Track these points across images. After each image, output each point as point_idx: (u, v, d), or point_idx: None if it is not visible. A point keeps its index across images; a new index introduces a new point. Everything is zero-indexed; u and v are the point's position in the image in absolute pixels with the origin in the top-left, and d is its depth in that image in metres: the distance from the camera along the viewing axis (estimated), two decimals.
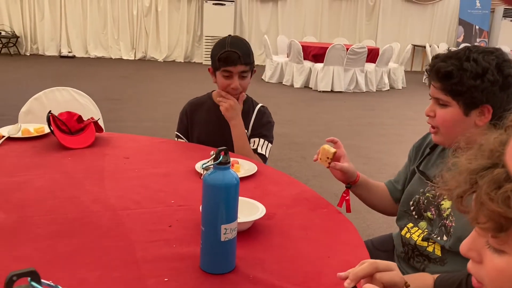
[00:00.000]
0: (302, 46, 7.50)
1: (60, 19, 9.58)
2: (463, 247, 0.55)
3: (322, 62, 7.30)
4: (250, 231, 1.06)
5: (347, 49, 7.21)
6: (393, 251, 1.37)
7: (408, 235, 1.25)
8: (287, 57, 8.03)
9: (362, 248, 1.02)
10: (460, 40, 10.63)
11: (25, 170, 1.39)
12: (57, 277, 0.84)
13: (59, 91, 2.23)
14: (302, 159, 3.89)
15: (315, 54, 7.60)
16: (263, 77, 8.13)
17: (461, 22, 10.69)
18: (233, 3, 9.60)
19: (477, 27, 10.63)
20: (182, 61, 10.02)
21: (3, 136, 1.64)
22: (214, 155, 0.87)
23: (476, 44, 9.95)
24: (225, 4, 9.49)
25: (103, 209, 1.15)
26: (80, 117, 1.70)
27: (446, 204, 1.18)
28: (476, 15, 10.60)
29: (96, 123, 1.71)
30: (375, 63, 7.72)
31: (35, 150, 1.58)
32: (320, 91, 7.28)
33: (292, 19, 10.24)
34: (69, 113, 1.69)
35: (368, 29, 10.59)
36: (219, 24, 9.24)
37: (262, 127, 1.79)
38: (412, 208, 1.27)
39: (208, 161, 0.88)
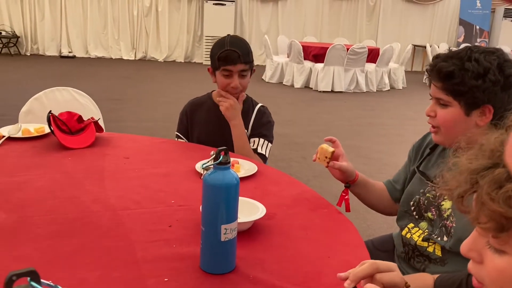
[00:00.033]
0: (302, 46, 7.50)
1: (61, 19, 9.59)
2: (464, 247, 0.55)
3: (323, 62, 7.30)
4: (250, 231, 1.06)
5: (348, 49, 7.21)
6: (394, 251, 1.36)
7: (408, 235, 1.25)
8: (288, 57, 8.03)
9: (362, 248, 1.02)
10: (460, 40, 10.63)
11: (25, 170, 1.39)
12: (57, 277, 0.84)
13: (59, 91, 2.23)
14: (303, 159, 3.89)
15: (316, 54, 7.60)
16: (263, 77, 8.13)
17: (462, 22, 10.69)
18: (233, 3, 9.60)
19: (477, 27, 10.63)
20: (183, 61, 10.03)
21: (3, 136, 1.64)
22: (214, 155, 0.87)
23: (476, 44, 9.93)
24: (225, 4, 9.50)
25: (103, 209, 1.15)
26: (80, 117, 1.70)
27: (447, 204, 1.18)
28: (477, 15, 10.60)
29: (96, 123, 1.71)
30: (375, 63, 7.72)
31: (35, 150, 1.58)
32: (320, 91, 7.28)
33: (292, 19, 10.24)
34: (69, 113, 1.69)
35: (369, 29, 10.59)
36: (220, 24, 9.24)
37: (262, 126, 1.79)
38: (412, 208, 1.27)
39: (208, 161, 0.88)
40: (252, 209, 1.09)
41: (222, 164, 0.86)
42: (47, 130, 1.69)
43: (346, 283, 0.75)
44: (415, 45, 9.95)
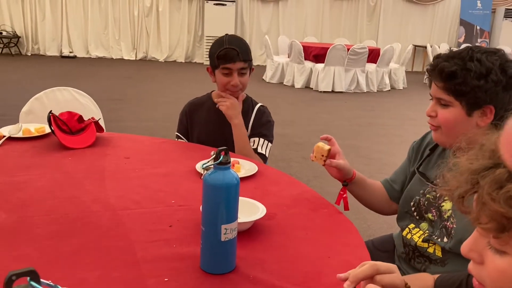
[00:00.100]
0: (303, 46, 7.50)
1: (61, 19, 9.59)
2: (464, 247, 0.55)
3: (323, 62, 7.30)
4: (250, 231, 1.05)
5: (348, 49, 7.21)
6: (394, 252, 1.36)
7: (409, 236, 1.25)
8: (288, 57, 8.03)
9: (362, 249, 1.02)
10: (461, 40, 10.62)
11: (25, 170, 1.39)
12: (57, 277, 0.84)
13: (60, 91, 2.23)
14: (303, 160, 3.89)
15: (316, 54, 7.60)
16: (264, 78, 8.13)
17: (462, 22, 10.68)
18: (234, 3, 9.61)
19: (478, 27, 10.63)
20: (183, 61, 10.03)
21: (4, 136, 1.64)
22: (214, 155, 0.87)
23: (477, 44, 9.94)
24: (226, 4, 9.50)
25: (103, 209, 1.15)
26: (80, 117, 1.70)
27: (447, 205, 1.17)
28: (477, 16, 10.59)
29: (96, 123, 1.71)
30: (376, 63, 7.72)
31: (35, 150, 1.58)
32: (321, 92, 7.28)
33: (293, 19, 10.24)
34: (69, 113, 1.69)
35: (369, 29, 10.59)
36: (220, 24, 9.25)
37: (262, 126, 1.78)
38: (413, 209, 1.27)
39: (209, 161, 0.88)
40: (252, 209, 1.09)
41: (222, 164, 0.86)
42: (48, 130, 1.69)
43: (345, 284, 0.75)
44: (415, 45, 9.95)
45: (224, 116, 1.71)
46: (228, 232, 0.87)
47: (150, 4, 9.77)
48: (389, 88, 7.95)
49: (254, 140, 1.75)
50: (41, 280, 0.54)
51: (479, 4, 10.54)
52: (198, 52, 10.10)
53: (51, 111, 1.64)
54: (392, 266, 0.78)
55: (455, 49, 1.15)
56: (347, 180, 1.33)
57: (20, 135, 1.68)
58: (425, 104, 1.20)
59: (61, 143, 1.59)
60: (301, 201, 1.26)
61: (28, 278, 0.53)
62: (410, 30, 10.68)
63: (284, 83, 7.80)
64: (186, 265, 0.91)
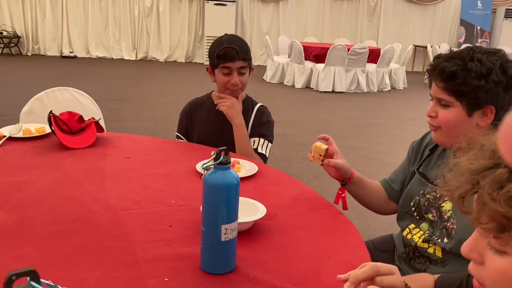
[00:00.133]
0: (303, 46, 7.50)
1: (62, 19, 9.60)
2: (464, 248, 0.55)
3: (323, 62, 7.30)
4: (250, 231, 1.05)
5: (348, 49, 7.21)
6: (394, 252, 1.36)
7: (409, 236, 1.25)
8: (288, 57, 8.03)
9: (362, 249, 1.02)
10: (461, 40, 10.62)
11: (26, 170, 1.39)
12: (57, 277, 0.84)
13: (60, 91, 2.23)
14: (303, 160, 3.89)
15: (316, 54, 7.60)
16: (264, 78, 8.13)
17: (463, 22, 10.68)
18: (234, 3, 9.61)
19: (478, 27, 10.62)
20: (183, 61, 10.04)
21: (4, 136, 1.64)
22: (214, 155, 0.87)
23: (477, 44, 9.93)
24: (226, 5, 9.50)
25: (103, 209, 1.15)
26: (81, 117, 1.70)
27: (447, 206, 1.17)
28: (478, 16, 10.59)
29: (97, 123, 1.71)
30: (376, 63, 7.72)
31: (36, 150, 1.58)
32: (321, 92, 7.28)
33: (293, 19, 10.24)
34: (70, 113, 1.69)
35: (370, 29, 10.59)
36: (221, 24, 9.25)
37: (262, 126, 1.78)
38: (413, 209, 1.26)
39: (209, 161, 0.88)
40: (252, 209, 1.09)
41: (223, 164, 0.86)
42: (48, 130, 1.69)
43: (346, 285, 0.75)
44: (416, 46, 9.95)
45: (224, 116, 1.71)
46: (228, 232, 0.87)
47: (150, 4, 9.78)
48: (390, 88, 7.95)
49: (254, 140, 1.75)
50: (41, 280, 0.54)
51: (479, 4, 10.54)
52: (198, 52, 10.10)
53: (51, 111, 1.64)
54: (393, 268, 0.78)
55: (455, 49, 1.15)
56: (345, 180, 1.32)
57: (20, 135, 1.68)
58: (426, 104, 1.20)
59: (62, 143, 1.59)
60: (301, 201, 1.26)
61: (28, 278, 0.53)
62: (411, 30, 10.67)
63: (284, 83, 7.80)
64: (186, 265, 0.91)
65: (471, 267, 0.55)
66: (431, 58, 1.19)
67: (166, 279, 0.86)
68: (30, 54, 9.51)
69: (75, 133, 1.65)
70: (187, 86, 6.96)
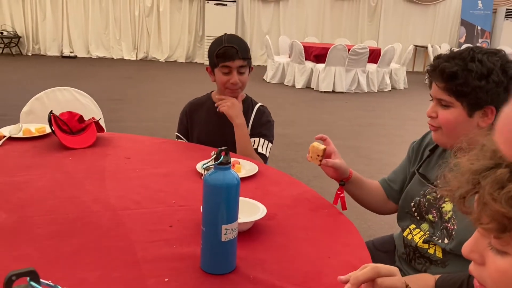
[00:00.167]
0: (303, 46, 7.50)
1: (62, 19, 9.60)
2: (465, 248, 0.55)
3: (324, 62, 7.29)
4: (250, 232, 1.05)
5: (349, 49, 7.21)
6: (394, 252, 1.36)
7: (409, 237, 1.25)
8: (289, 57, 8.03)
9: (363, 249, 1.01)
10: (462, 40, 10.62)
11: (26, 170, 1.39)
12: (57, 277, 0.84)
13: (60, 91, 2.23)
14: (303, 160, 3.89)
15: (317, 54, 7.60)
16: (264, 78, 8.13)
17: (463, 22, 10.68)
18: (234, 3, 9.61)
19: (479, 27, 10.62)
20: (184, 61, 10.04)
21: (5, 136, 1.64)
22: (214, 156, 0.87)
23: (478, 45, 9.92)
24: (226, 5, 9.50)
25: (103, 209, 1.15)
26: (81, 117, 1.70)
27: (448, 207, 1.17)
28: (478, 16, 10.59)
29: (97, 123, 1.71)
30: (376, 63, 7.72)
31: (36, 150, 1.58)
32: (321, 92, 7.28)
33: (294, 19, 10.24)
34: (70, 113, 1.69)
35: (370, 29, 10.59)
36: (221, 24, 9.25)
37: (262, 126, 1.78)
38: (413, 209, 1.26)
39: (209, 161, 0.88)
40: (252, 210, 1.09)
41: (223, 164, 0.86)
42: (48, 130, 1.69)
43: (346, 287, 0.75)
44: (416, 46, 9.95)
45: (224, 116, 1.71)
46: (228, 232, 0.87)
47: (151, 4, 9.78)
48: (390, 88, 7.95)
49: (254, 140, 1.75)
50: (41, 280, 0.54)
51: (480, 4, 10.54)
52: (198, 52, 10.11)
53: (51, 111, 1.64)
54: (393, 269, 0.78)
55: (455, 49, 1.15)
56: (344, 180, 1.32)
57: (20, 135, 1.68)
58: (426, 105, 1.19)
59: (62, 143, 1.59)
60: (301, 201, 1.26)
61: (28, 278, 0.53)
62: (411, 30, 10.67)
63: (284, 83, 7.80)
64: (186, 265, 0.91)
65: (472, 267, 0.55)
66: (432, 58, 1.19)
67: (166, 279, 0.86)
68: (30, 54, 9.52)
69: (75, 133, 1.65)
70: (187, 86, 6.96)
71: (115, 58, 9.82)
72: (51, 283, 0.57)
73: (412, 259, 1.24)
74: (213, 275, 0.89)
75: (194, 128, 1.83)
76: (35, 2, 9.43)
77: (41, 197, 1.21)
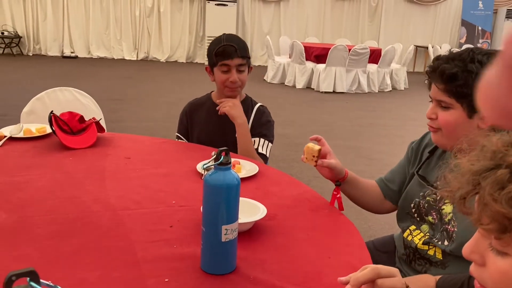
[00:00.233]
0: (304, 46, 7.50)
1: (63, 19, 9.61)
2: (466, 249, 0.55)
3: (324, 62, 7.29)
4: (251, 232, 1.05)
5: (349, 50, 7.21)
6: (394, 253, 1.36)
7: (409, 238, 1.24)
8: (289, 57, 8.04)
9: (363, 249, 1.01)
10: (462, 41, 10.62)
11: (26, 170, 1.39)
12: (57, 277, 0.84)
13: (61, 91, 2.23)
14: None
15: (317, 54, 7.60)
16: (265, 78, 8.13)
17: (464, 23, 10.67)
18: (235, 3, 9.61)
19: (479, 28, 10.62)
20: (184, 61, 10.04)
21: (5, 136, 1.64)
22: (215, 156, 0.87)
23: (478, 45, 9.90)
24: (227, 5, 9.50)
25: (103, 209, 1.15)
26: (82, 117, 1.70)
27: (447, 208, 1.17)
28: (479, 16, 10.58)
29: (97, 123, 1.71)
30: (377, 64, 7.71)
31: (36, 150, 1.58)
32: (322, 92, 7.28)
33: (294, 19, 10.24)
34: (71, 113, 1.69)
35: (371, 30, 10.59)
36: (221, 24, 9.25)
37: (262, 126, 1.78)
38: (413, 210, 1.26)
39: (209, 162, 0.88)
40: (252, 210, 1.09)
41: (223, 165, 0.86)
42: (49, 130, 1.69)
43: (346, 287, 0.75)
44: (417, 46, 9.95)
45: (224, 117, 1.71)
46: (228, 232, 0.87)
47: (151, 5, 9.79)
48: (391, 89, 7.94)
49: (254, 140, 1.75)
50: (41, 280, 0.54)
51: (480, 5, 10.53)
52: (199, 52, 10.11)
53: (52, 111, 1.65)
54: (393, 270, 0.78)
55: (455, 50, 1.15)
56: (339, 180, 1.31)
57: (21, 135, 1.68)
58: (427, 105, 1.19)
59: (62, 143, 1.59)
60: (301, 202, 1.26)
61: (28, 278, 0.53)
62: (412, 30, 10.67)
63: (285, 84, 7.80)
64: (186, 265, 0.91)
65: (472, 268, 0.55)
66: (432, 59, 1.18)
67: (166, 280, 0.86)
68: (31, 54, 9.52)
69: (75, 133, 1.65)
70: (187, 87, 6.97)
71: (115, 58, 9.82)
72: (51, 283, 0.57)
73: (412, 260, 1.24)
74: (213, 275, 0.89)
75: (194, 128, 1.83)
76: (36, 2, 9.44)
77: (41, 197, 1.21)
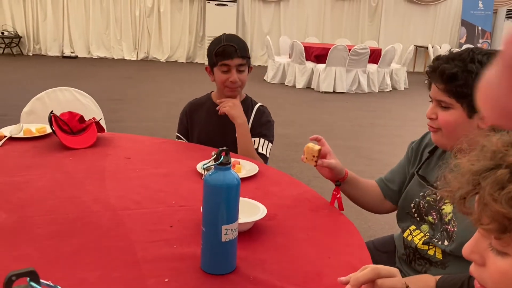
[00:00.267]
0: (304, 46, 7.50)
1: (63, 19, 9.61)
2: (466, 249, 0.55)
3: (324, 62, 7.29)
4: (251, 232, 1.05)
5: (349, 50, 7.21)
6: (394, 253, 1.36)
7: (409, 238, 1.24)
8: (289, 57, 8.04)
9: (363, 249, 1.01)
10: (462, 41, 10.62)
11: (26, 170, 1.39)
12: (57, 277, 0.84)
13: (61, 91, 2.23)
14: None
15: (317, 54, 7.60)
16: (265, 78, 8.13)
17: (464, 23, 10.67)
18: (235, 3, 9.61)
19: (479, 28, 10.62)
20: (184, 61, 10.04)
21: (5, 136, 1.64)
22: (215, 156, 0.87)
23: (478, 45, 9.89)
24: (227, 5, 9.50)
25: (103, 209, 1.15)
26: (82, 117, 1.70)
27: (447, 208, 1.17)
28: (479, 16, 10.58)
29: (97, 123, 1.71)
30: (377, 64, 7.71)
31: (36, 150, 1.58)
32: (322, 92, 7.28)
33: (294, 19, 10.24)
34: (71, 113, 1.69)
35: (371, 30, 10.59)
36: (222, 24, 9.25)
37: (262, 126, 1.78)
38: (413, 210, 1.26)
39: (209, 162, 0.88)
40: (253, 210, 1.09)
41: (223, 165, 0.86)
42: (49, 130, 1.69)
43: None
44: (417, 46, 9.94)
45: (224, 117, 1.71)
46: (228, 232, 0.87)
47: (151, 5, 9.79)
48: (391, 89, 7.94)
49: (254, 140, 1.75)
50: (41, 280, 0.54)
51: (480, 5, 10.53)
52: (199, 52, 10.11)
53: (52, 111, 1.65)
54: (393, 270, 0.78)
55: (455, 50, 1.15)
56: (339, 180, 1.31)
57: (21, 135, 1.68)
58: (427, 105, 1.19)
59: (62, 143, 1.59)
60: (302, 202, 1.26)
61: (28, 278, 0.53)
62: (412, 30, 10.67)
63: (285, 84, 7.80)
64: (186, 265, 0.91)
65: (472, 268, 0.55)
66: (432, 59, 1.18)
67: (166, 280, 0.86)
68: (31, 54, 9.52)
69: (75, 133, 1.65)
70: (187, 87, 6.97)
71: (115, 58, 9.82)
72: (51, 283, 0.57)
73: (412, 260, 1.24)
74: (213, 275, 0.89)
75: (194, 128, 1.83)
76: (36, 2, 9.44)
77: (41, 197, 1.21)
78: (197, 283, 0.87)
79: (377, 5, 10.50)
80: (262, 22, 10.19)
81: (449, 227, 1.15)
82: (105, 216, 1.11)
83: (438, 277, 0.95)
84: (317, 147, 1.25)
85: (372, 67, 7.65)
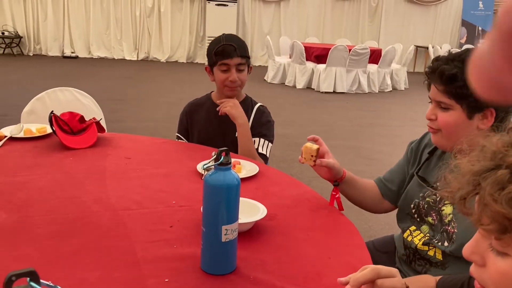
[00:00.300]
0: (304, 47, 7.50)
1: (63, 19, 9.61)
2: (466, 250, 0.55)
3: (325, 63, 7.29)
4: (251, 232, 1.05)
5: (350, 50, 7.21)
6: (394, 253, 1.36)
7: (409, 238, 1.24)
8: (290, 58, 8.04)
9: (363, 249, 1.01)
10: (463, 41, 10.61)
11: (26, 170, 1.39)
12: (57, 277, 0.84)
13: (61, 91, 2.23)
14: None
15: (318, 55, 7.60)
16: (265, 78, 8.13)
17: (464, 23, 10.67)
18: (235, 3, 9.61)
19: (480, 28, 10.61)
20: (185, 61, 10.04)
21: (5, 136, 1.64)
22: (215, 156, 0.87)
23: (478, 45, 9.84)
24: (227, 5, 9.50)
25: (103, 209, 1.15)
26: (82, 117, 1.70)
27: (447, 209, 1.16)
28: (479, 16, 10.58)
29: (98, 123, 1.71)
30: (377, 64, 7.71)
31: (37, 150, 1.58)
32: (322, 92, 7.28)
33: (294, 20, 10.24)
34: (71, 113, 1.69)
35: (371, 30, 10.58)
36: (222, 24, 9.24)
37: (262, 126, 1.78)
38: (413, 211, 1.26)
39: (209, 162, 0.88)
40: (253, 210, 1.09)
41: (223, 165, 0.86)
42: (49, 130, 1.69)
43: None
44: (417, 46, 9.94)
45: (224, 117, 1.71)
46: (228, 232, 0.87)
47: (152, 5, 9.79)
48: (391, 89, 7.94)
49: (254, 140, 1.74)
50: (41, 280, 0.54)
51: (481, 5, 10.53)
52: (199, 52, 10.11)
53: (52, 111, 1.65)
54: (393, 270, 0.78)
55: (454, 50, 1.15)
56: (337, 180, 1.30)
57: (21, 135, 1.68)
58: (427, 105, 1.19)
59: (63, 143, 1.59)
60: (302, 202, 1.26)
61: (28, 278, 0.53)
62: (412, 30, 10.67)
63: (285, 84, 7.80)
64: (186, 265, 0.91)
65: (472, 269, 0.55)
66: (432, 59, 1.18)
67: (166, 280, 0.86)
68: (31, 54, 9.53)
69: (76, 133, 1.65)
70: (188, 87, 6.97)
71: (116, 58, 9.83)
72: (51, 283, 0.57)
73: (412, 260, 1.24)
74: (213, 275, 0.89)
75: (194, 129, 1.83)
76: (36, 2, 9.44)
77: (41, 197, 1.21)
78: (197, 283, 0.87)
79: (377, 5, 10.50)
80: (262, 22, 10.19)
81: (449, 228, 1.15)
82: (105, 216, 1.12)
83: (438, 277, 0.95)
84: (315, 146, 1.24)
85: (372, 67, 7.65)
